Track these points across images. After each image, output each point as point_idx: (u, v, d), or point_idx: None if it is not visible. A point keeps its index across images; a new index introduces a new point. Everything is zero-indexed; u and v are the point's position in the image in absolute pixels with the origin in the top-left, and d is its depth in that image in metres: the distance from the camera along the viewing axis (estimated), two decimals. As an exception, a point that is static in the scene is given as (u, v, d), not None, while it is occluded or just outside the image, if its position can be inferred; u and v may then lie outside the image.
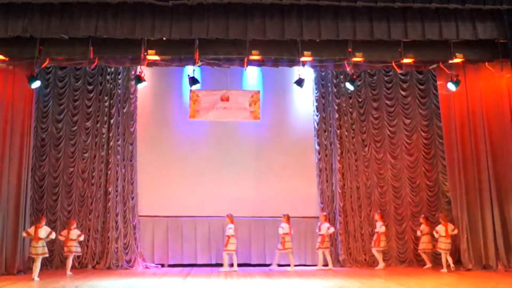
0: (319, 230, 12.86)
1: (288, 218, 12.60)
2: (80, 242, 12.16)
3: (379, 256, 12.81)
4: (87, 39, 10.68)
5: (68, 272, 11.74)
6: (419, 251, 12.85)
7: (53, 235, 11.29)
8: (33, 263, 10.94)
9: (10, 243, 11.57)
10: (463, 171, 12.26)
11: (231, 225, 12.45)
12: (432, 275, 11.16)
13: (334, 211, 13.54)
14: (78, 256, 12.65)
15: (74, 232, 12.00)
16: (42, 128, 13.30)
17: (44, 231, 11.11)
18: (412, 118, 13.83)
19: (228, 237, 12.37)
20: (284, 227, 12.53)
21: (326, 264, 12.84)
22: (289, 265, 12.57)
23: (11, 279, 10.64)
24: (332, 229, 12.83)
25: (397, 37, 10.61)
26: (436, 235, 12.16)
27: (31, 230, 11.13)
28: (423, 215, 13.04)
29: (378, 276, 10.95)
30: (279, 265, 12.86)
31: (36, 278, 10.61)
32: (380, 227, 12.83)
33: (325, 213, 13.21)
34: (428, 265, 12.64)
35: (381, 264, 12.72)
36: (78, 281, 10.39)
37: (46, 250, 11.08)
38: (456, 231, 12.15)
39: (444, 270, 11.81)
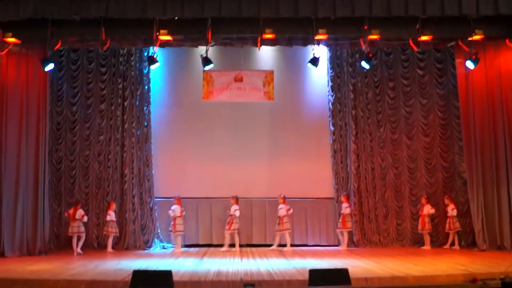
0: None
1: (284, 199, 12.66)
2: (84, 223, 12.30)
3: (346, 237, 12.85)
4: (99, 20, 10.57)
5: (78, 251, 12.00)
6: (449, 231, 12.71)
7: (85, 219, 12.24)
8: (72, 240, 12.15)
9: (30, 225, 11.73)
10: (480, 151, 12.06)
11: (236, 206, 12.56)
12: (446, 255, 11.12)
13: (348, 192, 13.44)
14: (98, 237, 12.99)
15: (79, 213, 12.20)
16: (57, 112, 13.36)
17: (79, 213, 12.12)
18: (429, 98, 13.60)
19: (232, 217, 12.46)
20: (283, 208, 12.57)
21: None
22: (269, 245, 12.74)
23: (33, 259, 10.83)
24: (348, 209, 12.84)
25: (414, 13, 10.27)
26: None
27: (71, 211, 12.23)
28: (447, 195, 12.95)
29: (392, 256, 10.90)
30: (252, 245, 13.11)
31: (79, 251, 11.99)
32: (345, 209, 12.81)
33: (345, 193, 13.17)
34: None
35: (344, 246, 12.79)
36: (97, 261, 10.54)
37: (81, 229, 12.17)
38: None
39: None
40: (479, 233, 11.92)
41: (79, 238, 12.24)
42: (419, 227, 12.84)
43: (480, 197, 11.99)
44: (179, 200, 12.71)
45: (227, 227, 12.58)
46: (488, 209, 11.92)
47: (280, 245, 12.76)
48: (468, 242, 12.67)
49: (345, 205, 12.88)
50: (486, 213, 11.92)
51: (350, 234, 13.12)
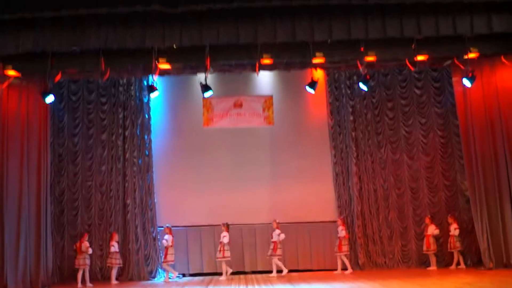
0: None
1: (278, 224, 12.67)
2: (90, 255, 12.22)
3: (346, 261, 12.70)
4: (98, 51, 10.71)
5: (89, 285, 11.86)
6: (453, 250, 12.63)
7: (90, 251, 12.16)
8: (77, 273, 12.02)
9: (33, 258, 11.65)
10: (481, 169, 12.06)
11: (226, 233, 12.50)
12: (452, 275, 11.02)
13: (352, 215, 13.38)
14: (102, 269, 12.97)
15: (84, 245, 12.11)
16: (58, 143, 13.40)
17: (83, 246, 12.05)
18: (428, 117, 13.67)
19: (221, 244, 12.42)
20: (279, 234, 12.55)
21: (346, 268, 12.70)
22: (271, 272, 12.56)
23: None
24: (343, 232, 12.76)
25: (410, 34, 10.41)
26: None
27: (78, 244, 12.18)
28: (450, 214, 12.91)
29: (398, 278, 10.78)
30: (257, 272, 13.10)
31: (89, 284, 11.90)
32: (340, 232, 12.73)
33: (342, 217, 13.09)
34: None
35: (349, 269, 12.64)
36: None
37: (86, 262, 12.03)
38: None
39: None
40: (485, 252, 11.82)
41: (113, 268, 12.23)
42: (424, 248, 12.74)
43: (484, 215, 11.93)
44: (170, 229, 12.64)
45: (219, 255, 12.46)
46: (493, 226, 11.85)
47: (278, 271, 12.63)
48: (474, 261, 12.56)
49: (340, 228, 12.77)
50: (491, 231, 11.85)
51: (354, 256, 13.02)
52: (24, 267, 11.47)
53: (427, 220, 12.85)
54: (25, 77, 11.60)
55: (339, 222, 12.89)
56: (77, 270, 12.12)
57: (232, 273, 12.67)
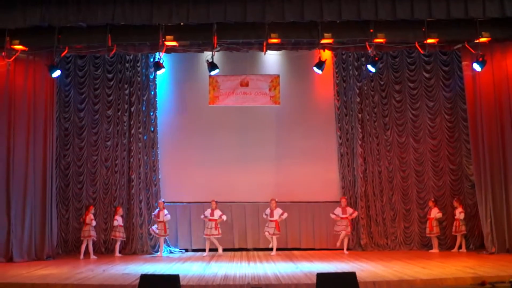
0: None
1: (276, 203, 12.66)
2: (94, 227, 12.41)
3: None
4: (105, 27, 10.65)
5: (92, 256, 12.11)
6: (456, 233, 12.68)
7: (93, 223, 12.35)
8: (81, 245, 12.35)
9: (38, 230, 11.84)
10: (488, 154, 11.98)
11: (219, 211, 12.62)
12: (455, 258, 11.06)
13: (355, 196, 13.41)
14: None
15: (88, 217, 12.31)
16: (64, 118, 13.46)
17: (88, 218, 12.28)
18: (435, 101, 13.55)
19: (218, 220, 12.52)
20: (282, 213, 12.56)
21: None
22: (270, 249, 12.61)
23: (41, 264, 10.92)
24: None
25: (420, 16, 10.25)
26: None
27: (84, 217, 12.46)
28: (456, 198, 12.92)
29: (400, 259, 10.86)
30: (259, 249, 13.13)
31: (93, 256, 12.13)
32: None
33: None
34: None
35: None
36: (105, 266, 10.59)
37: (90, 234, 12.26)
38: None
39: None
40: (488, 236, 11.84)
41: (88, 242, 12.35)
42: (427, 230, 12.78)
43: (489, 200, 11.90)
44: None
45: (215, 232, 12.47)
46: (497, 211, 11.83)
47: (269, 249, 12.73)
48: (477, 245, 12.59)
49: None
50: (494, 216, 11.83)
51: (356, 237, 13.14)
52: (30, 239, 11.66)
53: (431, 203, 12.86)
54: (32, 52, 11.59)
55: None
56: (80, 242, 12.39)
57: (235, 250, 12.85)
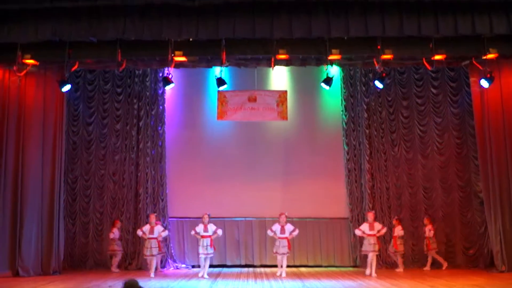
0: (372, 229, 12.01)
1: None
2: (120, 242, 12.59)
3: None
4: (115, 42, 10.75)
5: (115, 270, 12.32)
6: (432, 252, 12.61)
7: (111, 235, 12.55)
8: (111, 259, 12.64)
9: (45, 244, 11.81)
10: (497, 171, 11.90)
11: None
12: (464, 277, 10.91)
13: (363, 212, 13.33)
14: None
15: (113, 232, 12.49)
16: (73, 131, 13.55)
17: (112, 233, 12.55)
18: (443, 117, 13.52)
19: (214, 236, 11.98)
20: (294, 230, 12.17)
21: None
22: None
23: (48, 279, 10.89)
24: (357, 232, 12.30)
25: (428, 33, 10.27)
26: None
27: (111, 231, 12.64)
28: (427, 216, 12.89)
29: (408, 278, 10.75)
30: (266, 266, 13.05)
31: (115, 270, 12.29)
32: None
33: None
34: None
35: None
36: (111, 281, 10.54)
37: (115, 248, 12.53)
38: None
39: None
40: (497, 254, 11.70)
41: (114, 256, 12.50)
42: (392, 249, 12.56)
43: (498, 217, 11.79)
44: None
45: (212, 250, 11.76)
46: (506, 229, 11.70)
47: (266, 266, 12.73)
48: (487, 263, 12.43)
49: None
50: (504, 234, 11.70)
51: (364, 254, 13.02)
52: (36, 253, 11.65)
53: (394, 221, 12.68)
54: (43, 66, 11.69)
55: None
56: (87, 257, 12.70)
57: (242, 266, 12.73)
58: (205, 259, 11.65)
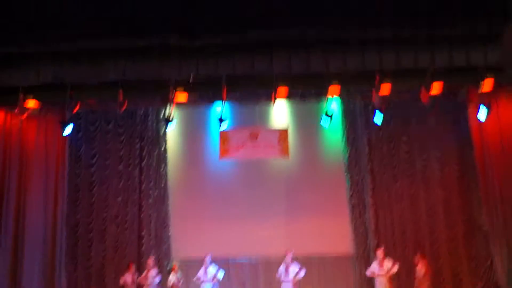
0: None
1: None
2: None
3: None
4: (116, 83, 10.90)
5: None
6: None
7: (121, 280, 12.09)
8: None
9: (47, 291, 11.62)
10: (500, 203, 11.87)
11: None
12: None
13: (368, 249, 13.16)
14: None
15: (127, 277, 12.13)
16: (75, 174, 13.47)
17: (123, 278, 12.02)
18: (443, 150, 13.45)
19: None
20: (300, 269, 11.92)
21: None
22: None
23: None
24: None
25: (424, 65, 10.49)
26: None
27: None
28: (420, 253, 12.31)
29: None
30: None
31: None
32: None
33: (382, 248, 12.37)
34: None
35: None
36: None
37: None
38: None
39: None
40: (505, 288, 11.55)
41: None
42: None
43: (504, 250, 11.68)
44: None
45: None
46: (512, 262, 11.59)
47: None
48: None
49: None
50: (509, 267, 11.56)
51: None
52: (38, 300, 11.45)
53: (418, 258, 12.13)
54: (44, 108, 11.81)
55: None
56: None
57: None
58: None
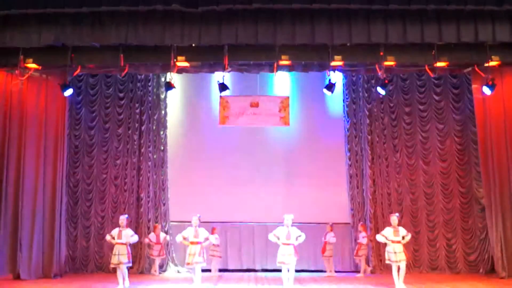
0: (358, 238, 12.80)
1: None
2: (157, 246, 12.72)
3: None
4: (118, 47, 10.76)
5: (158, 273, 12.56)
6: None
7: (146, 240, 12.82)
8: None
9: (47, 248, 11.84)
10: (498, 177, 11.90)
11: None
12: (465, 283, 10.95)
13: (364, 217, 13.34)
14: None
15: (162, 235, 12.68)
16: (75, 136, 13.54)
17: (148, 238, 12.82)
18: (445, 123, 13.52)
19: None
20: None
21: (358, 271, 12.73)
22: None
23: (49, 282, 10.96)
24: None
25: (430, 40, 10.27)
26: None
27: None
28: (362, 223, 13.15)
29: (409, 283, 10.72)
30: (267, 270, 13.06)
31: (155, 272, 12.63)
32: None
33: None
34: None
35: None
36: (111, 285, 10.50)
37: (153, 253, 12.76)
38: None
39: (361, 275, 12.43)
40: (498, 261, 11.72)
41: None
42: (355, 253, 12.86)
43: (499, 224, 11.80)
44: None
45: (201, 259, 10.01)
46: (507, 235, 11.72)
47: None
48: (487, 269, 12.44)
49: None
50: (505, 240, 11.72)
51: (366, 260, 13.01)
52: (37, 256, 11.66)
53: (328, 228, 12.79)
54: (45, 70, 11.71)
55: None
56: (88, 261, 12.84)
57: (243, 271, 12.76)
58: (194, 268, 9.99)
